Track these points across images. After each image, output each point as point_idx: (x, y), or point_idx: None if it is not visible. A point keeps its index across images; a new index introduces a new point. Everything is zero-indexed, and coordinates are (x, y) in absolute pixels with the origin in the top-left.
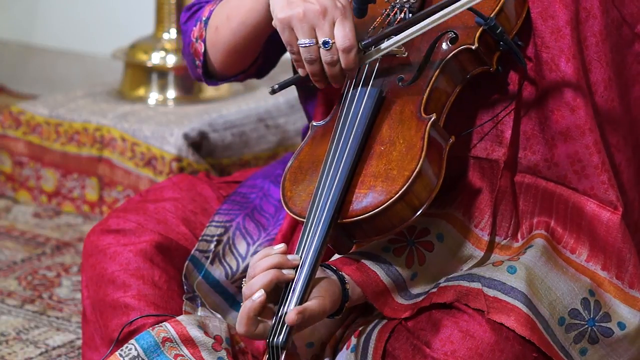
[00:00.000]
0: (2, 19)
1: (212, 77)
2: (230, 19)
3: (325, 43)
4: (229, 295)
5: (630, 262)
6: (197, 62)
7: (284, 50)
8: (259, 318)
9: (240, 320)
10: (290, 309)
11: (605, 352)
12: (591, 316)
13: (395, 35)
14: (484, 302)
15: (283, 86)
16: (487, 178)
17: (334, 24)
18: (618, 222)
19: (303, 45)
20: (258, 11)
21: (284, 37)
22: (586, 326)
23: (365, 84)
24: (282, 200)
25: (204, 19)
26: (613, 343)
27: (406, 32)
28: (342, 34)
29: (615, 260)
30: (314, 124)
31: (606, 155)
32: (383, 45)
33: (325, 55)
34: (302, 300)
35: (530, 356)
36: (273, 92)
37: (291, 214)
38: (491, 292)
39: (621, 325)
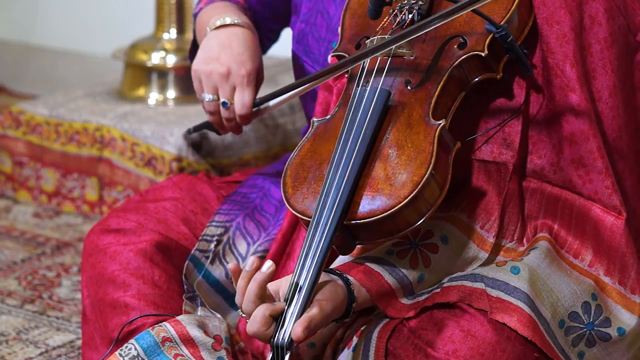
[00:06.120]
0: (2, 19)
1: None
2: (200, 30)
3: (224, 103)
4: (228, 295)
5: (633, 268)
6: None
7: (277, 25)
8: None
9: (254, 319)
10: (297, 310)
11: (601, 356)
12: (590, 320)
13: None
14: (487, 302)
15: (197, 129)
16: (494, 181)
17: (235, 88)
18: (622, 226)
19: (205, 99)
20: None
21: (195, 85)
22: (585, 329)
23: (374, 84)
24: (283, 197)
25: (195, 12)
26: (609, 347)
27: (297, 89)
28: (241, 102)
29: (619, 265)
30: (315, 120)
31: (609, 161)
32: (272, 103)
33: (223, 113)
34: (307, 301)
35: (532, 356)
36: (189, 133)
37: (293, 211)
38: (494, 292)
39: (620, 331)
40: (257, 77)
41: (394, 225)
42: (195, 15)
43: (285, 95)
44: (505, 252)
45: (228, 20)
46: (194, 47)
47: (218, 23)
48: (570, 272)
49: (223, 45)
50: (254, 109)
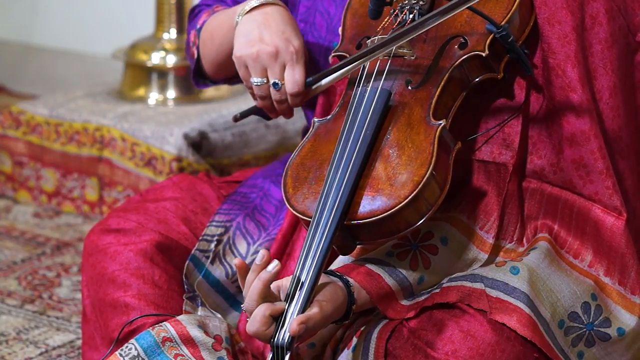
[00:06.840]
0: (2, 19)
1: (206, 77)
2: (213, 37)
3: (274, 84)
4: (229, 295)
5: (633, 268)
6: (191, 65)
7: None
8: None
9: (254, 318)
10: (297, 310)
11: (600, 356)
12: (590, 320)
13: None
14: (486, 303)
15: (244, 115)
16: (494, 181)
17: (284, 67)
18: (622, 227)
19: (255, 84)
20: (230, 37)
21: (240, 72)
22: (584, 329)
23: (375, 84)
24: (284, 197)
25: (198, 27)
26: (609, 347)
27: (347, 68)
28: (292, 80)
29: (619, 265)
30: (316, 120)
31: (610, 162)
32: (324, 81)
33: (274, 95)
34: (308, 301)
35: (531, 356)
36: (235, 120)
37: (293, 212)
38: (494, 293)
39: (620, 331)
40: (304, 54)
41: (394, 225)
42: (199, 30)
43: (338, 74)
44: (505, 252)
45: (255, 3)
46: (198, 67)
47: (247, 7)
48: (570, 272)
49: (262, 26)
50: (306, 88)
